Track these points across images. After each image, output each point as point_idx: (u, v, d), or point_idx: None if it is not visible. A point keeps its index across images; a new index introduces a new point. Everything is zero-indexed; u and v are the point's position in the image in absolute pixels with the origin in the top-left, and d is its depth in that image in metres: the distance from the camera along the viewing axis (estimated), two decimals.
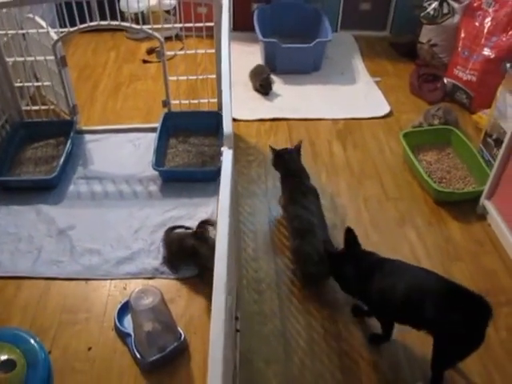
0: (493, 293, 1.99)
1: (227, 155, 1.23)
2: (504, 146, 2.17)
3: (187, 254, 2.03)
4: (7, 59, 2.56)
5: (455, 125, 2.77)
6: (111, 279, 2.05)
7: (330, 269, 1.86)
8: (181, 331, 1.81)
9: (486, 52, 2.95)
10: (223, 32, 1.79)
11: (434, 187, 2.38)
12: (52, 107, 2.84)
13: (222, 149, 1.28)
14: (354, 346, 1.82)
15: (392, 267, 1.70)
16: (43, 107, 2.79)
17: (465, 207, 2.38)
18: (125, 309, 1.87)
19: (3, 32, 2.52)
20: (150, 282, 2.03)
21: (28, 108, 2.77)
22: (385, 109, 3.08)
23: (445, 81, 3.21)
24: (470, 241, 2.23)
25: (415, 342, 1.81)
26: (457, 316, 1.49)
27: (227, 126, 1.29)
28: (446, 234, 2.26)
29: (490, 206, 2.30)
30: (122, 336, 1.83)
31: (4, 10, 2.51)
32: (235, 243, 1.84)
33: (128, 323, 1.84)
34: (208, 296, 1.96)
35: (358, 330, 1.87)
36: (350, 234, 1.78)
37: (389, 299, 1.65)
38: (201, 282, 2.02)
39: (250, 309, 1.94)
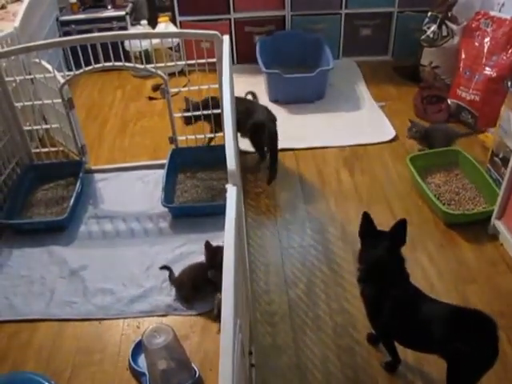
0: (509, 314, 1.96)
1: (231, 192, 1.24)
2: (511, 164, 2.16)
3: (203, 283, 2.06)
4: (16, 104, 2.61)
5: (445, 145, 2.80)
6: (124, 318, 2.04)
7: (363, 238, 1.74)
8: (195, 368, 1.80)
9: (488, 71, 2.97)
10: (224, 71, 1.81)
11: (444, 210, 2.37)
12: (61, 148, 2.88)
13: (227, 186, 1.29)
14: (372, 376, 1.79)
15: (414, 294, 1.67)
16: (52, 149, 2.82)
17: (476, 228, 2.36)
18: (139, 347, 1.86)
19: (12, 78, 2.58)
20: (164, 319, 2.02)
21: (37, 150, 2.81)
22: (390, 133, 3.09)
23: (449, 102, 3.22)
24: (482, 262, 2.21)
25: (432, 368, 1.78)
26: (463, 338, 1.48)
27: (231, 163, 1.30)
28: (459, 256, 2.24)
29: (501, 225, 2.28)
30: (137, 375, 1.82)
31: (12, 57, 2.58)
32: (245, 278, 1.84)
33: (143, 362, 1.83)
34: None
35: (376, 360, 1.84)
36: (402, 224, 1.69)
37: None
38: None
39: (264, 342, 1.92)
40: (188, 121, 2.78)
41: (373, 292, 1.69)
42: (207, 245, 2.11)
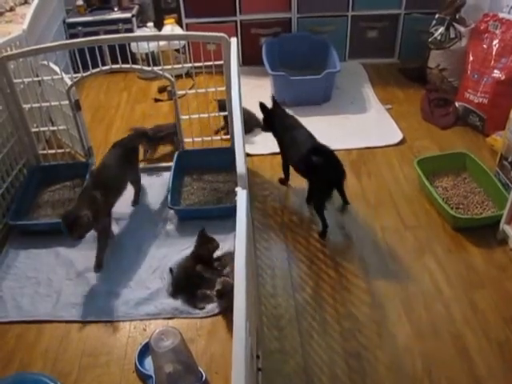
0: None
1: (241, 196, 1.23)
2: None
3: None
4: (24, 105, 2.61)
5: None
6: (131, 320, 2.04)
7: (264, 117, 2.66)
8: (202, 371, 1.79)
9: (496, 74, 2.95)
10: (232, 74, 1.81)
11: (452, 214, 2.35)
12: (68, 150, 2.88)
13: (237, 189, 1.29)
14: (379, 382, 1.78)
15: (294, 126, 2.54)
16: (59, 150, 2.83)
17: (485, 232, 2.34)
18: (145, 350, 1.86)
19: (20, 80, 2.58)
20: (170, 322, 2.01)
21: (44, 152, 2.81)
22: (397, 136, 3.07)
23: (456, 105, 3.21)
24: (491, 267, 2.19)
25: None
26: (317, 162, 2.25)
27: (240, 167, 1.29)
28: (467, 260, 2.23)
29: (510, 230, 2.26)
30: (144, 378, 1.82)
31: (20, 59, 2.58)
32: (254, 282, 1.83)
33: (149, 365, 1.82)
34: (228, 334, 1.95)
35: (382, 365, 1.83)
36: (273, 101, 2.64)
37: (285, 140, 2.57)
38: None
39: (271, 346, 1.91)
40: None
41: (278, 135, 2.62)
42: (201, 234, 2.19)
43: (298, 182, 2.71)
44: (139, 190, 2.65)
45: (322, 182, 2.34)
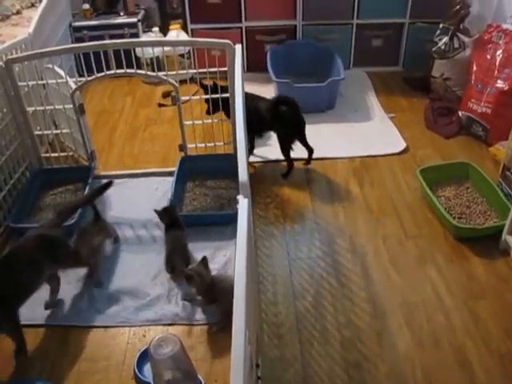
0: None
1: (243, 204, 1.23)
2: None
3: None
4: (28, 108, 2.62)
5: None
6: (130, 326, 2.03)
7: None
8: (201, 379, 1.78)
9: (500, 84, 2.95)
10: (237, 81, 1.81)
11: (454, 223, 2.34)
12: (70, 153, 2.89)
13: (238, 197, 1.28)
14: None
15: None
16: (62, 154, 2.82)
17: (487, 243, 2.33)
18: (144, 357, 1.85)
19: (24, 83, 2.59)
20: (170, 328, 2.00)
21: (47, 155, 2.81)
22: (400, 145, 3.07)
23: (459, 114, 3.20)
24: (493, 277, 2.18)
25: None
26: (280, 112, 2.69)
27: (242, 175, 1.29)
28: (469, 271, 2.22)
29: None
30: None
31: (25, 63, 2.59)
32: (254, 289, 1.83)
33: (148, 371, 1.81)
34: (228, 342, 1.93)
35: (382, 375, 1.82)
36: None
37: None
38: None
39: (271, 354, 1.90)
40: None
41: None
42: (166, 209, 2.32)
43: (301, 188, 2.71)
44: (57, 291, 2.12)
45: (288, 126, 2.73)
